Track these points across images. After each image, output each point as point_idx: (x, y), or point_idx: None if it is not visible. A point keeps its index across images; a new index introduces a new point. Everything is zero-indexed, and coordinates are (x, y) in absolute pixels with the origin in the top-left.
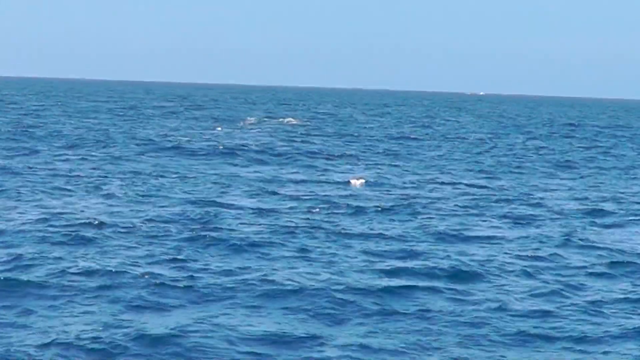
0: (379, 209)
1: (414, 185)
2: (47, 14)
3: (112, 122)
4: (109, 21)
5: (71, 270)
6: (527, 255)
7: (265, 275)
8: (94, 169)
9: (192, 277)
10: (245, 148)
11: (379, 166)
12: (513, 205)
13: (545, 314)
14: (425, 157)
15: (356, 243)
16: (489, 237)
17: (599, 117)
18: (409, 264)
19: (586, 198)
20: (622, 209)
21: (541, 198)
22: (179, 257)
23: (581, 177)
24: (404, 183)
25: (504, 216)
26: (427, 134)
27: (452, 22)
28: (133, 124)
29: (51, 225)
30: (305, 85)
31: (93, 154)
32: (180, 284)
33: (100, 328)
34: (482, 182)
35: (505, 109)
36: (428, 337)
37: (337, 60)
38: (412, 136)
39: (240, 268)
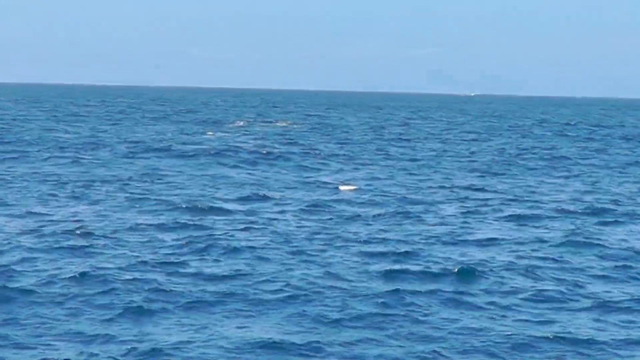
0: (374, 211)
1: (410, 186)
2: (37, 17)
3: (102, 126)
4: (99, 26)
5: (60, 277)
6: (529, 256)
7: (260, 280)
8: (83, 173)
9: (184, 283)
10: (236, 150)
11: (372, 167)
12: (511, 206)
13: (548, 316)
14: (419, 157)
15: (353, 247)
16: (489, 239)
17: (591, 116)
18: (408, 267)
19: (584, 197)
20: (621, 209)
21: (539, 198)
22: (170, 262)
23: (576, 176)
24: (399, 185)
25: (503, 217)
26: (420, 136)
27: (442, 22)
28: (123, 127)
29: (40, 232)
30: (297, 88)
31: (83, 157)
32: (173, 291)
33: (90, 339)
34: (478, 182)
35: (498, 109)
36: (429, 343)
37: (330, 62)
38: (404, 137)
39: (234, 273)
